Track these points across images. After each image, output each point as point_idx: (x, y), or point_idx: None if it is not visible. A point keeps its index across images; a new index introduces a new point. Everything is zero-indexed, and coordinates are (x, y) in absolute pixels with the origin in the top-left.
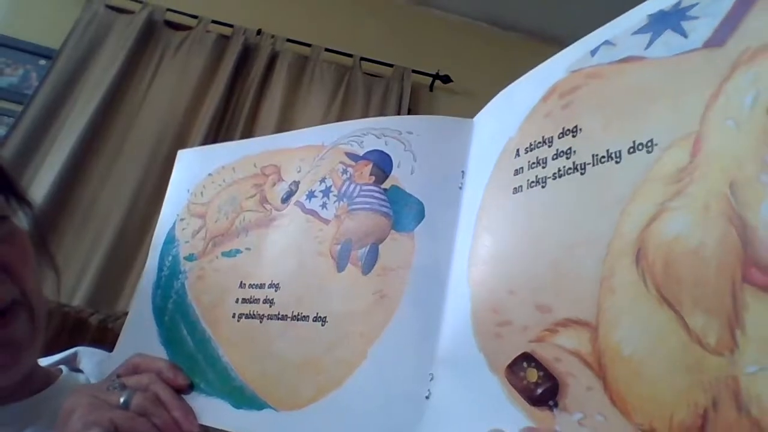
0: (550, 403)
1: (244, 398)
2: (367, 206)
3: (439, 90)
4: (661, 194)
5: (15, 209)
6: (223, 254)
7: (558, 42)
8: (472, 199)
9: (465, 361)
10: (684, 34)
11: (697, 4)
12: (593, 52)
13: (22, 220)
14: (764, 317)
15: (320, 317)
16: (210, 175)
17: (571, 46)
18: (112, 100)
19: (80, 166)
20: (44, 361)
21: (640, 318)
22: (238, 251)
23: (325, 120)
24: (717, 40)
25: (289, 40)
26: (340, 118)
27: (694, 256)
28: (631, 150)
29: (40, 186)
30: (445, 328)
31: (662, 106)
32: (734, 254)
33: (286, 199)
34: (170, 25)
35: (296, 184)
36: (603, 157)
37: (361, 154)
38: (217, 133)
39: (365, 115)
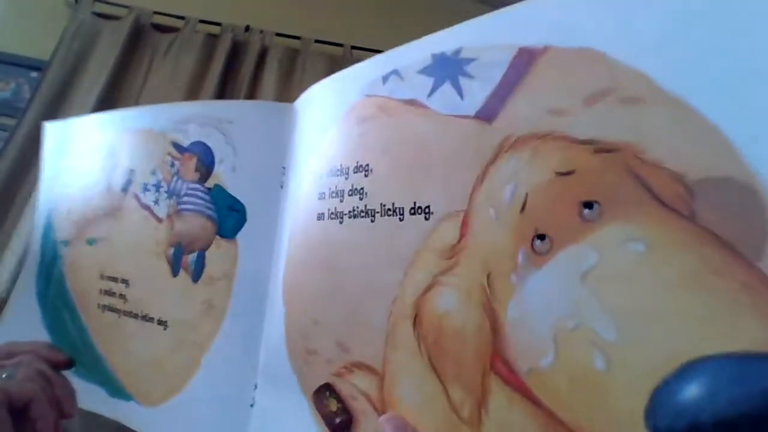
0: None
1: (116, 388)
2: (193, 208)
3: None
4: (435, 266)
5: None
6: (87, 241)
7: None
8: (291, 202)
9: (281, 378)
10: (460, 94)
11: (475, 59)
12: (384, 79)
13: None
14: (502, 405)
15: (162, 321)
16: (75, 153)
17: (367, 63)
18: (105, 106)
19: None
20: None
21: (416, 378)
22: (95, 240)
23: None
24: (487, 113)
25: (278, 35)
26: None
27: (457, 335)
28: (413, 211)
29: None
30: (266, 341)
31: (439, 172)
32: (486, 342)
33: (125, 189)
34: (158, 28)
35: (132, 173)
36: (389, 210)
37: (185, 146)
38: None
39: None
